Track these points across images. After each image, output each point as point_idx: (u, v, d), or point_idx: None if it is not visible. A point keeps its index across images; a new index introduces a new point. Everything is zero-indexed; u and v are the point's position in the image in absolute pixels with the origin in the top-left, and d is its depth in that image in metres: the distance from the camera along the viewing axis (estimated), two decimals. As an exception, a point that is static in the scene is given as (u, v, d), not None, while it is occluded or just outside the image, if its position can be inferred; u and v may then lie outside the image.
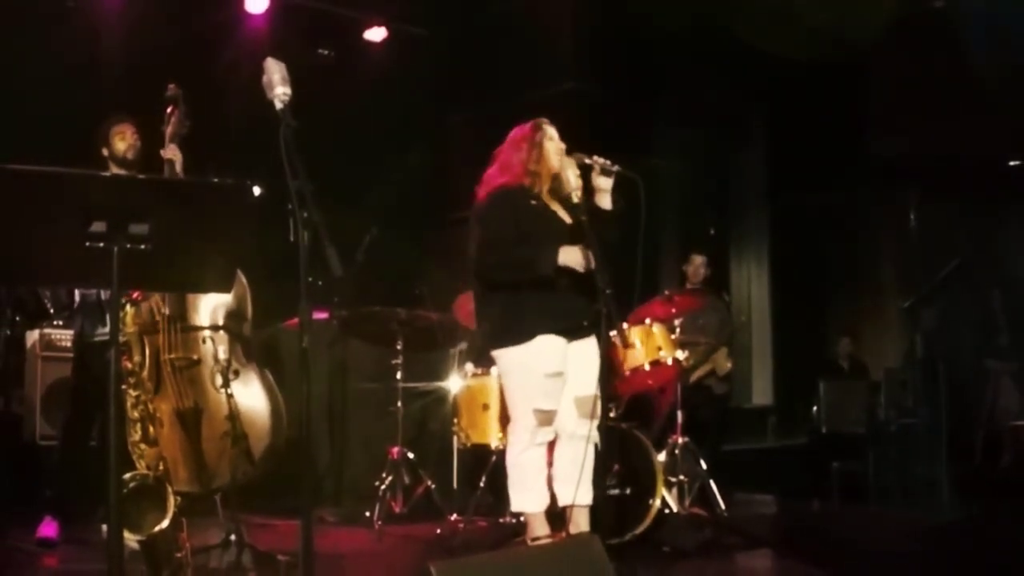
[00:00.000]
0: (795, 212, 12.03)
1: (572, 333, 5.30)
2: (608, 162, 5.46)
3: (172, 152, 5.73)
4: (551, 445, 5.46)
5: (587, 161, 5.45)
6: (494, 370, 6.60)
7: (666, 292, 7.09)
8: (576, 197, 5.28)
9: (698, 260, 8.23)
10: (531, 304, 5.30)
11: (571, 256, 5.16)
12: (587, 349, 5.30)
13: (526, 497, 5.43)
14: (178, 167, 5.71)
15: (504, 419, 6.47)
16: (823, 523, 8.18)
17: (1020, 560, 6.30)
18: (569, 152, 5.48)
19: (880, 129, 12.84)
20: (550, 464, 5.49)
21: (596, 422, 5.30)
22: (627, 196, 5.54)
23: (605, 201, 5.51)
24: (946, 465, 8.34)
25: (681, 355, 6.52)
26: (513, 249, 5.32)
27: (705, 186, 10.68)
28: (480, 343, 5.85)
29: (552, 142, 5.46)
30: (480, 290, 5.59)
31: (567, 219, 5.41)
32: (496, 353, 5.49)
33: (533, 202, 5.39)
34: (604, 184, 5.49)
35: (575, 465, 5.22)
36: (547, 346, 5.29)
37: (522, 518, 5.63)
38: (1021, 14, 10.09)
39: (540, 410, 5.31)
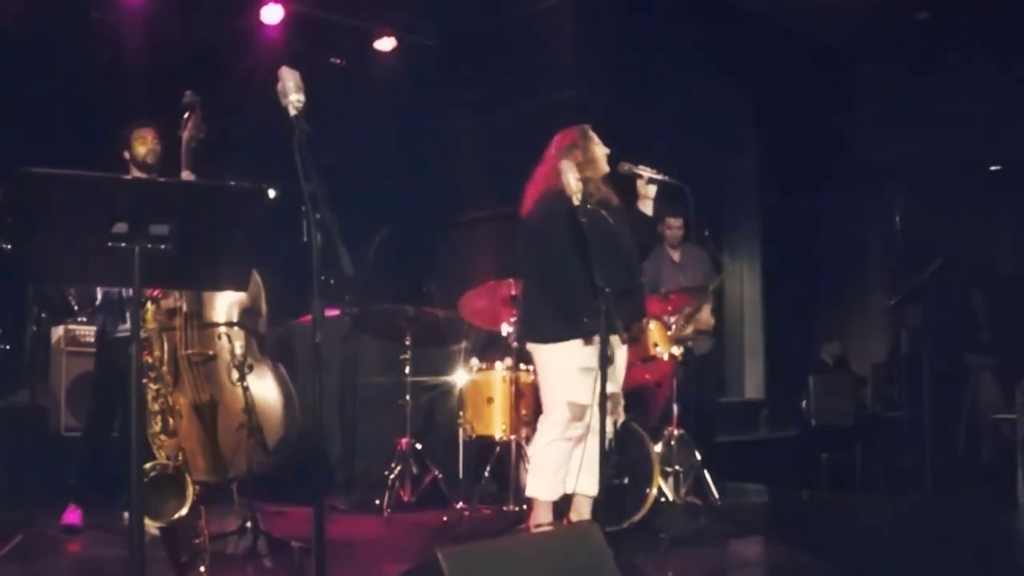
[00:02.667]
0: (785, 214, 12.01)
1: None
2: (655, 171, 5.53)
3: (188, 176, 5.73)
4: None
5: (636, 170, 5.51)
6: (499, 365, 6.61)
7: (662, 290, 7.08)
8: (576, 200, 5.28)
9: (674, 223, 8.03)
10: (582, 307, 5.28)
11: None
12: (620, 349, 5.30)
13: (541, 485, 5.45)
14: None
15: (510, 412, 6.49)
16: (812, 511, 8.19)
17: (999, 547, 6.31)
18: (617, 161, 5.52)
19: (867, 134, 12.85)
20: None
21: (617, 419, 5.32)
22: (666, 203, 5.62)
23: (648, 207, 5.64)
24: (930, 456, 8.32)
25: (677, 351, 6.52)
26: (570, 276, 5.31)
27: (699, 189, 10.70)
28: (521, 332, 5.85)
29: (600, 147, 5.49)
30: (531, 285, 5.64)
31: (611, 220, 5.42)
32: (538, 347, 5.49)
33: (589, 207, 5.37)
34: (650, 192, 5.60)
35: (588, 456, 5.20)
36: (589, 344, 5.29)
37: (526, 505, 5.64)
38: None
39: (576, 404, 5.31)
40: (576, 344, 5.30)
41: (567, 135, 5.57)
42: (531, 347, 5.61)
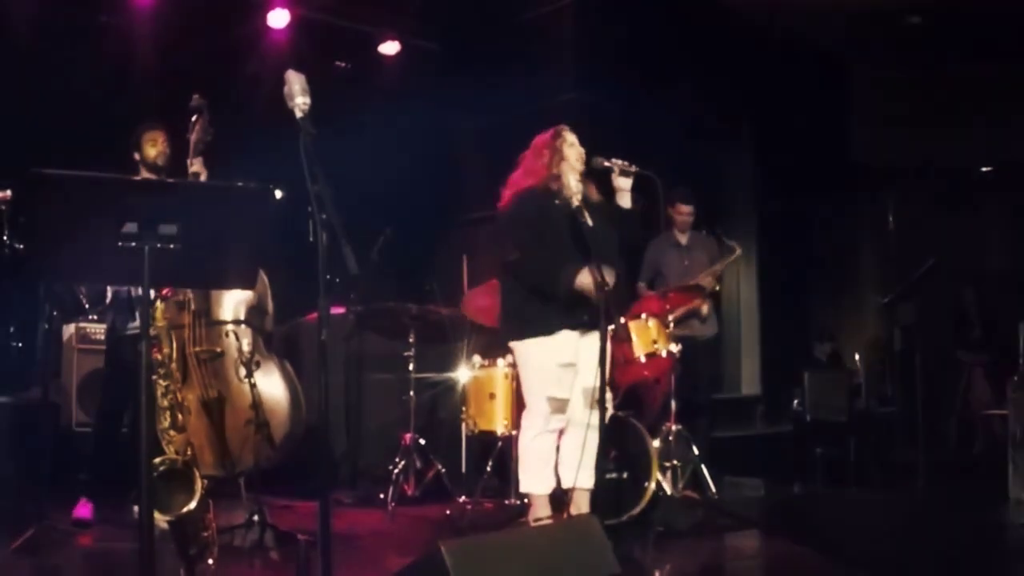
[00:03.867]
0: (782, 215, 12.00)
1: (583, 327, 5.29)
2: (626, 163, 5.44)
3: (198, 166, 5.72)
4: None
5: (606, 164, 5.44)
6: (500, 361, 6.61)
7: (661, 288, 7.07)
8: (577, 201, 5.28)
9: (685, 209, 7.87)
10: (551, 300, 5.31)
11: (585, 282, 5.17)
12: (596, 343, 5.30)
13: (534, 480, 5.45)
14: (203, 179, 5.70)
15: (512, 407, 6.49)
16: (807, 505, 8.17)
17: (991, 539, 6.30)
18: (589, 157, 5.47)
19: (860, 137, 12.85)
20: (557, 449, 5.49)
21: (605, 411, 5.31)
22: (646, 195, 5.54)
23: (626, 200, 5.52)
24: (922, 451, 8.32)
25: (675, 348, 6.51)
26: (542, 260, 5.34)
27: (697, 191, 10.73)
28: (500, 331, 5.86)
29: (572, 148, 5.45)
30: (506, 284, 5.65)
31: (589, 220, 5.40)
32: (515, 344, 5.51)
33: (557, 202, 5.37)
34: (624, 184, 5.48)
35: (580, 451, 5.20)
36: (564, 339, 5.30)
37: (527, 499, 5.64)
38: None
39: (554, 398, 5.32)
40: (555, 339, 5.31)
41: (542, 136, 5.57)
42: (511, 343, 5.61)
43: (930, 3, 10.66)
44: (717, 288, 7.70)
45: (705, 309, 7.58)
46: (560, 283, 5.24)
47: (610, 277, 5.01)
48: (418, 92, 10.05)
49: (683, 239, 7.92)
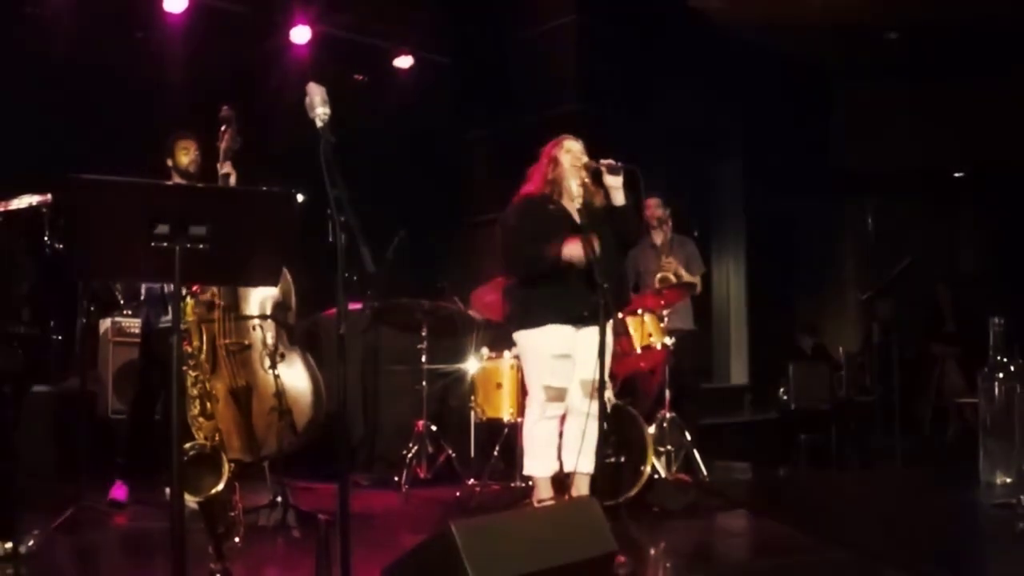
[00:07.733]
0: (768, 216, 11.99)
1: (580, 321, 5.27)
2: (611, 161, 5.35)
3: (228, 168, 5.72)
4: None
5: (594, 165, 5.40)
6: (507, 353, 6.61)
7: (657, 286, 7.05)
8: (572, 204, 5.27)
9: (653, 202, 7.54)
10: (544, 296, 5.31)
11: (572, 251, 5.14)
12: (594, 336, 5.28)
13: (536, 463, 5.44)
14: (232, 181, 5.70)
15: (517, 396, 6.48)
16: (792, 487, 8.17)
17: (963, 518, 6.29)
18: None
19: (842, 144, 12.84)
20: (560, 435, 5.48)
21: (607, 402, 5.30)
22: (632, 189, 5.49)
23: (619, 197, 5.42)
24: (899, 436, 8.31)
25: (668, 341, 6.50)
26: (525, 247, 5.32)
27: (689, 194, 10.69)
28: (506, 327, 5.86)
29: (568, 153, 5.41)
30: (507, 282, 5.70)
31: (580, 218, 5.37)
32: (515, 336, 5.51)
33: (551, 207, 5.35)
34: (615, 182, 5.37)
35: (579, 438, 5.18)
36: (555, 331, 5.29)
37: (531, 482, 5.63)
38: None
39: (550, 387, 5.31)
40: (549, 332, 5.30)
41: (545, 148, 5.55)
42: (514, 335, 5.60)
43: (907, 20, 10.66)
44: (697, 291, 7.57)
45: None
46: (544, 261, 5.24)
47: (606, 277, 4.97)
48: (430, 103, 10.05)
49: (658, 239, 7.66)
